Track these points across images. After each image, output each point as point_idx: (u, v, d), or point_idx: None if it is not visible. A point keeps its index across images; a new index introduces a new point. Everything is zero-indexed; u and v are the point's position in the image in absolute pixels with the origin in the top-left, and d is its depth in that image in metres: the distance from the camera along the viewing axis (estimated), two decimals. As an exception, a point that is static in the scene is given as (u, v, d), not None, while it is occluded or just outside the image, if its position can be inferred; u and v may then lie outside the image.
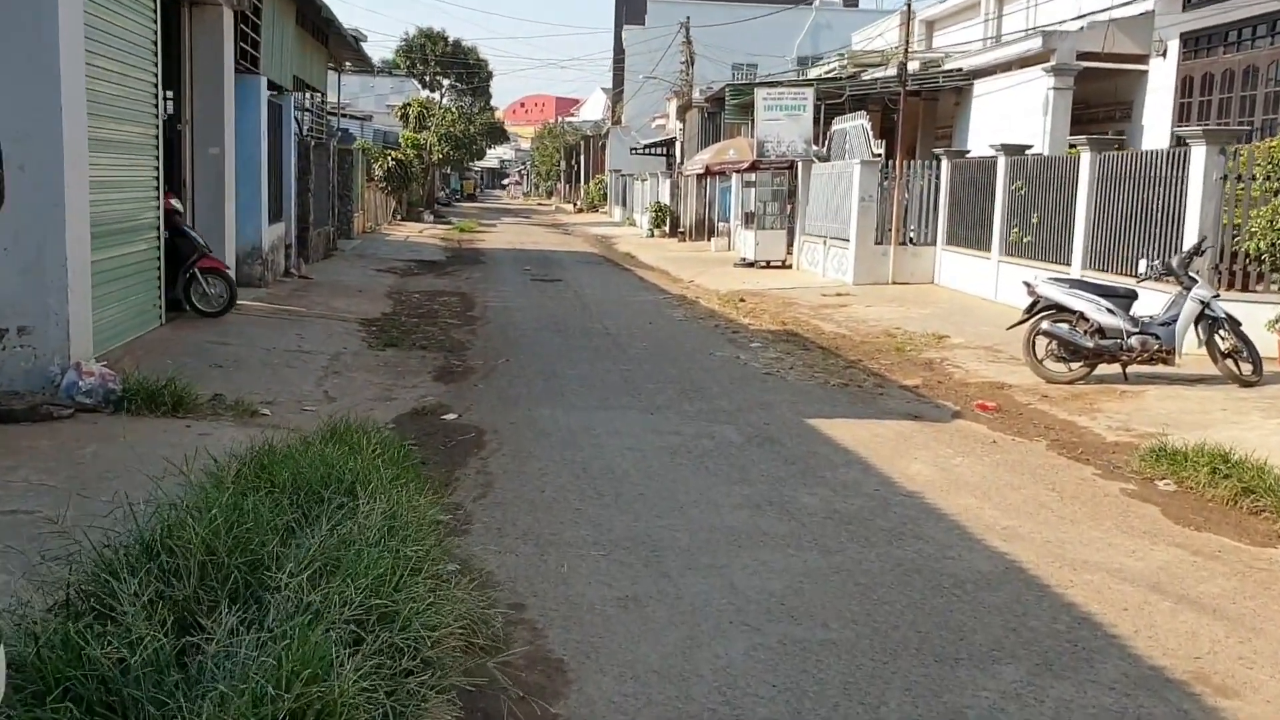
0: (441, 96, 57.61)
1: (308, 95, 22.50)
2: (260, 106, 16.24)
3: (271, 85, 18.46)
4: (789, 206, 25.69)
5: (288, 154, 19.31)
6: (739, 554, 5.58)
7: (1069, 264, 15.73)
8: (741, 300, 18.89)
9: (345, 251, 26.09)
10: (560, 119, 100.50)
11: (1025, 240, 17.29)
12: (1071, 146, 18.01)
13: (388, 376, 10.72)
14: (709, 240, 33.38)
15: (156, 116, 11.93)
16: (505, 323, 15.22)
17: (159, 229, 12.16)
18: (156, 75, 11.76)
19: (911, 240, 21.22)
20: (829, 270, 22.66)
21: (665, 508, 6.37)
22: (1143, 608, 5.06)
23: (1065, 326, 11.04)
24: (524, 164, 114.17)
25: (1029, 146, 18.63)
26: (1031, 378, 11.22)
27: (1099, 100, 21.47)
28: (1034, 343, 11.24)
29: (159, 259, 12.18)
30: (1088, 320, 10.92)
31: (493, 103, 62.63)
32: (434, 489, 6.21)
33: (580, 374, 11.10)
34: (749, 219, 26.29)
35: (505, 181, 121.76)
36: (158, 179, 12.04)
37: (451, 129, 54.01)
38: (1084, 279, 11.83)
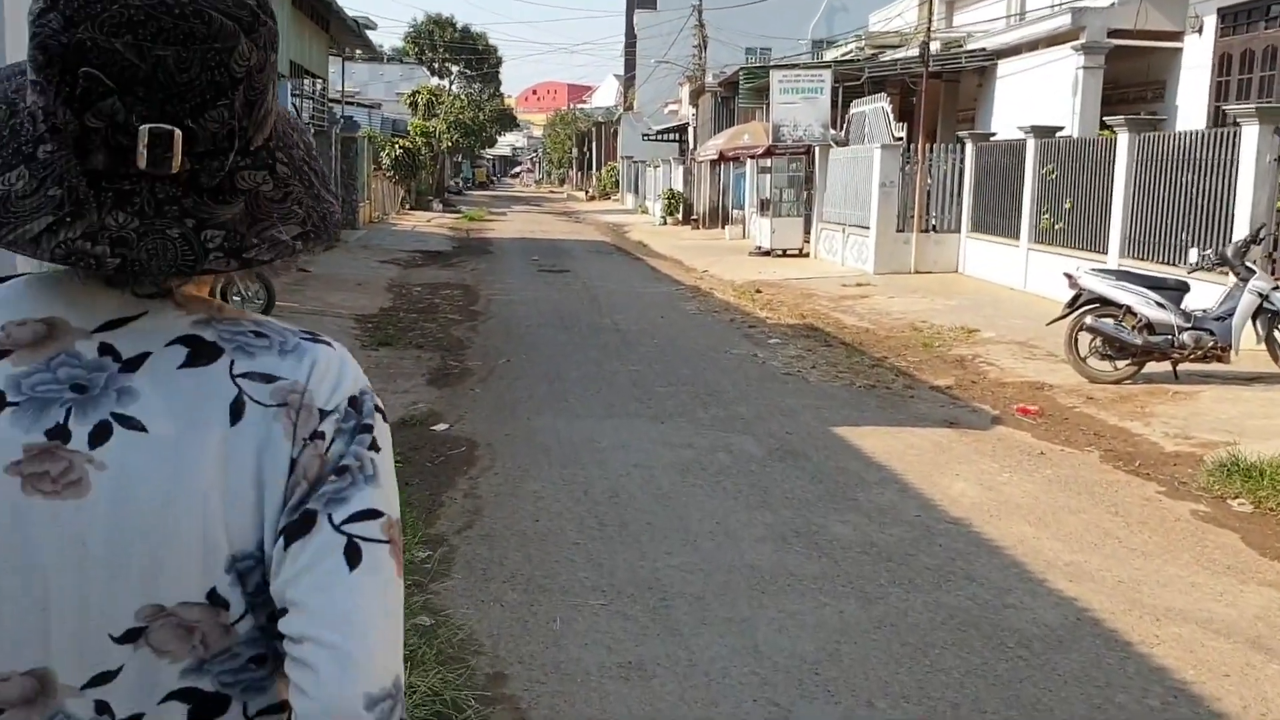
0: (451, 83, 56.85)
1: (307, 82, 21.74)
2: (251, 92, 15.44)
3: (265, 70, 17.70)
4: (805, 193, 24.83)
5: (284, 142, 18.48)
6: (762, 603, 4.76)
7: (1105, 252, 14.86)
8: (758, 291, 18.06)
9: (348, 242, 25.28)
10: (572, 106, 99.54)
11: (1057, 227, 16.41)
12: (1107, 127, 17.11)
13: (377, 380, 9.92)
14: (723, 228, 32.51)
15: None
16: (509, 317, 14.43)
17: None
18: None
19: (934, 228, 20.34)
20: (848, 259, 21.80)
21: (676, 541, 5.56)
22: (1246, 672, 4.24)
23: (1111, 322, 10.19)
24: (536, 151, 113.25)
25: (1060, 128, 17.73)
26: (1074, 377, 10.37)
27: (1129, 80, 20.52)
28: (1076, 339, 10.39)
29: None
30: (1135, 315, 10.06)
31: (503, 89, 61.86)
32: (408, 524, 5.41)
33: (586, 375, 10.30)
34: (764, 206, 25.42)
35: (517, 169, 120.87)
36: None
37: (461, 116, 53.21)
38: (1131, 270, 10.97)
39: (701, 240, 30.62)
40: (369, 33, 32.23)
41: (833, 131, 23.85)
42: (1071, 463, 7.49)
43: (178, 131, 0.98)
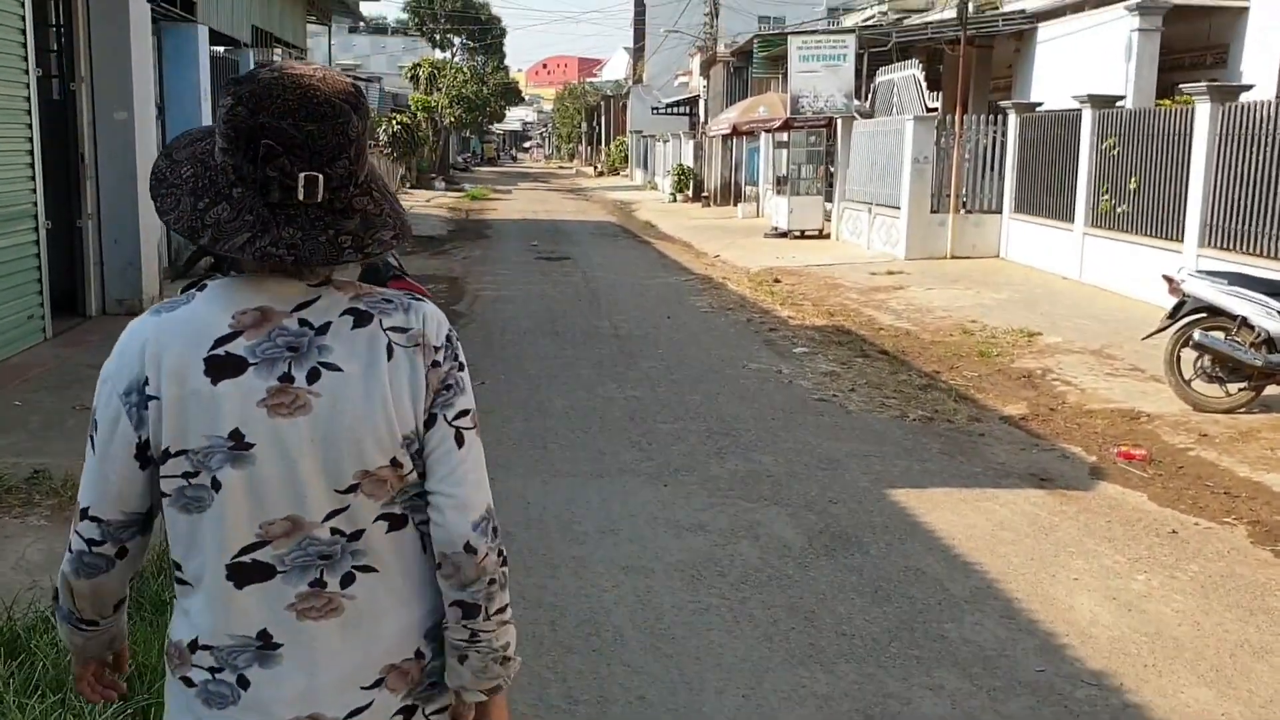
0: (453, 56, 54.74)
1: (279, 52, 19.71)
2: (199, 61, 13.51)
3: (223, 38, 15.73)
4: (825, 169, 22.80)
5: (248, 119, 16.51)
6: None
7: (1179, 240, 12.85)
8: (776, 281, 16.10)
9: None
10: (582, 79, 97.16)
11: (1119, 210, 14.39)
12: (1167, 95, 15.07)
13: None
14: (735, 206, 30.48)
15: (26, 71, 9.25)
16: (494, 320, 12.50)
17: (36, 219, 9.49)
18: (23, 13, 9.10)
19: (965, 208, 18.30)
20: (875, 242, 19.79)
21: (683, 738, 3.65)
22: None
23: (1222, 336, 8.24)
24: (546, 126, 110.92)
25: (1121, 97, 15.67)
26: (1173, 402, 8.44)
27: (1185, 45, 18.34)
28: (1179, 357, 8.45)
29: (38, 259, 9.51)
30: (1252, 328, 8.10)
31: (507, 61, 59.73)
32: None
33: (574, 405, 8.37)
34: (781, 183, 23.39)
35: (527, 145, 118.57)
36: (32, 153, 9.37)
37: (463, 90, 51.03)
38: (1245, 273, 8.98)
39: (713, 219, 28.59)
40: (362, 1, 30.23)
41: (857, 102, 21.82)
42: (1216, 548, 5.55)
43: (321, 175, 1.60)
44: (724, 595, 4.77)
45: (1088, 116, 15.33)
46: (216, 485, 1.62)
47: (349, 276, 1.77)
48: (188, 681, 1.69)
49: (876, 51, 22.28)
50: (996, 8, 22.56)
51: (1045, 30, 20.54)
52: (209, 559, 1.65)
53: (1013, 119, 17.83)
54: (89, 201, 10.67)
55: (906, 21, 25.27)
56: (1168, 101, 14.77)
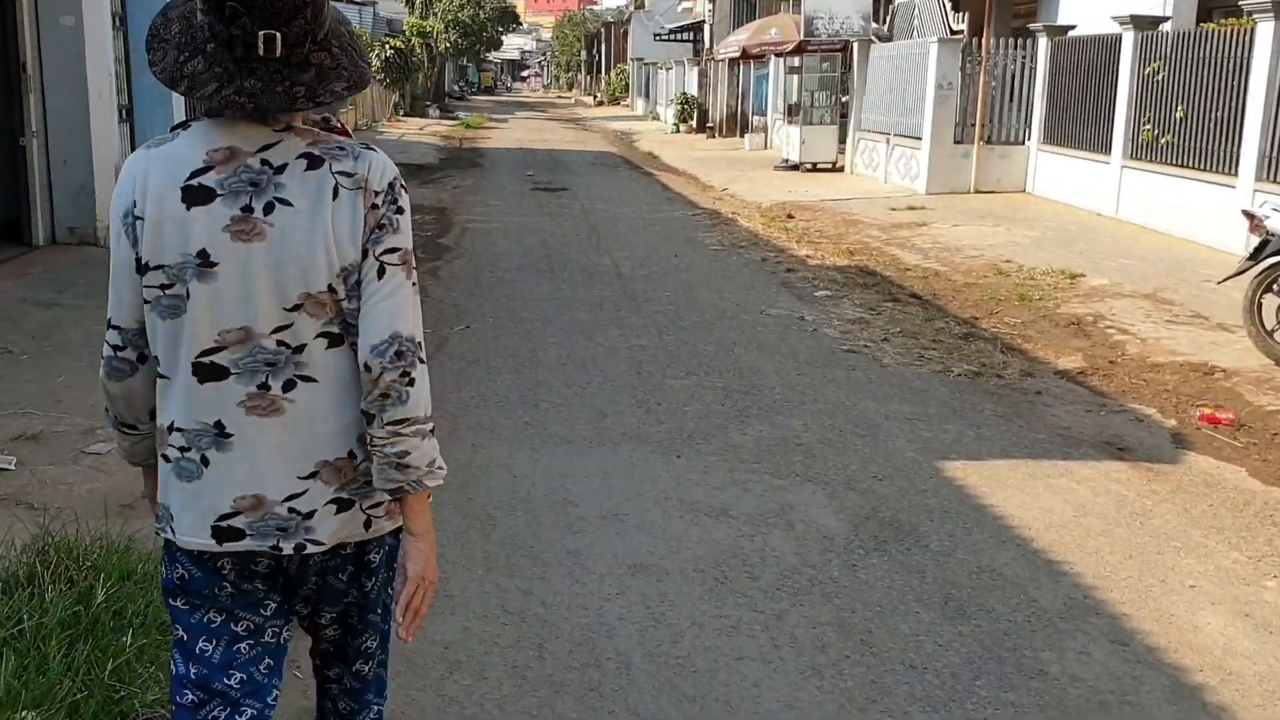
0: (450, -22, 52.96)
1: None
2: (164, -32, 12.30)
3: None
4: (840, 97, 21.57)
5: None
6: None
7: (1233, 173, 11.78)
8: (790, 216, 15.01)
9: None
10: (582, 6, 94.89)
11: (1164, 141, 13.28)
12: (1214, 20, 13.88)
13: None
14: (741, 137, 29.20)
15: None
16: (482, 255, 11.44)
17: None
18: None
19: (989, 139, 17.13)
20: (892, 175, 18.65)
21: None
22: None
23: (1311, 280, 7.23)
24: (545, 55, 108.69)
25: (1166, 19, 14.47)
26: (1251, 354, 7.45)
27: (1227, -36, 17.12)
28: (1259, 304, 7.44)
29: (-32, 178, 8.48)
30: (1346, 271, 7.10)
31: (505, -14, 57.88)
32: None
33: (570, 354, 7.36)
34: (792, 112, 22.16)
35: (525, 74, 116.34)
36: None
37: (459, 15, 49.36)
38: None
39: (719, 151, 27.34)
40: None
41: (875, 25, 20.55)
42: (1345, 539, 4.58)
43: (278, 33, 1.83)
44: (756, 607, 3.78)
45: (1129, 39, 14.14)
46: (187, 295, 1.90)
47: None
48: (165, 458, 1.98)
49: (895, -28, 21.01)
50: (1023, -74, 21.17)
51: (1076, -50, 19.21)
52: (181, 357, 1.93)
53: (1043, 43, 16.62)
54: (33, 117, 9.57)
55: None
56: (1211, 25, 13.62)
